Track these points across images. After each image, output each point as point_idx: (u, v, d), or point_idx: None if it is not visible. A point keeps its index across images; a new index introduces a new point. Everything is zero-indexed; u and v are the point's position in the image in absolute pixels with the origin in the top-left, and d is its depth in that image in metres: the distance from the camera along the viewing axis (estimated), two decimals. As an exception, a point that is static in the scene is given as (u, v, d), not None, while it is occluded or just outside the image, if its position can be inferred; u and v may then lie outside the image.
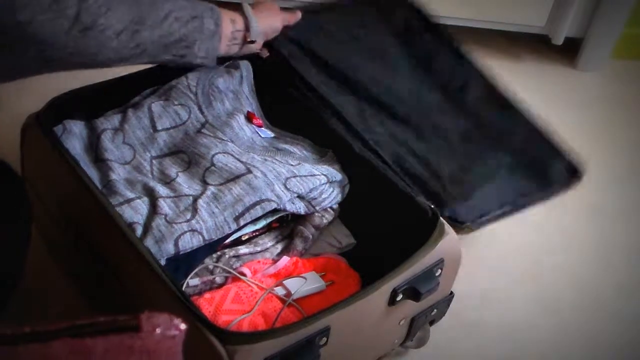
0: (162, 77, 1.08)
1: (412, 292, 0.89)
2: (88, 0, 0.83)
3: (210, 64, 1.02)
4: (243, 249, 0.97)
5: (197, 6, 0.98)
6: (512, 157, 1.11)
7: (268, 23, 1.07)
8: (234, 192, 0.96)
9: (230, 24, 1.01)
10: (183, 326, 0.52)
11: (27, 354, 0.49)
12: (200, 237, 0.91)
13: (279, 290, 0.91)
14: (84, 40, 0.83)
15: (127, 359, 0.50)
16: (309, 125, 1.10)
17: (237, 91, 1.11)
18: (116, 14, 0.86)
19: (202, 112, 1.07)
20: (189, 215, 0.93)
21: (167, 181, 0.99)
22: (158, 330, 0.51)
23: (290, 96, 1.11)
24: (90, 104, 1.04)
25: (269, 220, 0.98)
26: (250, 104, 1.12)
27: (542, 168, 1.11)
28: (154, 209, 0.93)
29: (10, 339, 0.49)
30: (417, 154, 1.07)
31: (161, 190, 0.96)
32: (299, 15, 1.15)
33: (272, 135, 1.10)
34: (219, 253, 0.96)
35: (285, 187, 0.98)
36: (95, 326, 0.50)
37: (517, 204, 1.07)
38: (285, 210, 0.98)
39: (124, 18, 0.87)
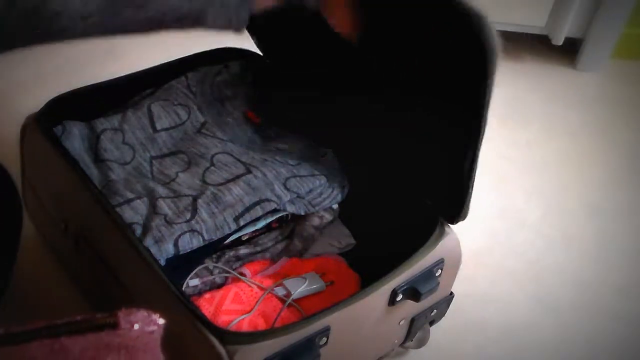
0: (161, 77, 1.08)
1: (412, 292, 0.88)
2: None
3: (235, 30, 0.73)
4: (243, 249, 0.97)
5: None
6: None
7: None
8: (234, 192, 0.96)
9: None
10: (161, 321, 0.51)
11: (3, 356, 0.48)
12: (200, 237, 0.91)
13: (279, 291, 0.91)
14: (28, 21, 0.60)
15: (105, 356, 0.49)
16: (309, 125, 1.10)
17: (236, 90, 1.11)
18: None
19: (201, 112, 1.07)
20: (188, 216, 0.92)
21: (167, 181, 0.98)
22: (136, 327, 0.50)
23: (290, 96, 1.11)
24: (89, 104, 1.03)
25: (269, 220, 0.98)
26: (249, 103, 1.12)
27: None
28: (153, 209, 0.93)
29: None
30: None
31: (161, 190, 0.96)
32: None
33: (272, 134, 1.10)
34: (218, 253, 0.96)
35: (285, 187, 0.98)
36: (72, 325, 0.50)
37: None
38: (285, 210, 0.98)
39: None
